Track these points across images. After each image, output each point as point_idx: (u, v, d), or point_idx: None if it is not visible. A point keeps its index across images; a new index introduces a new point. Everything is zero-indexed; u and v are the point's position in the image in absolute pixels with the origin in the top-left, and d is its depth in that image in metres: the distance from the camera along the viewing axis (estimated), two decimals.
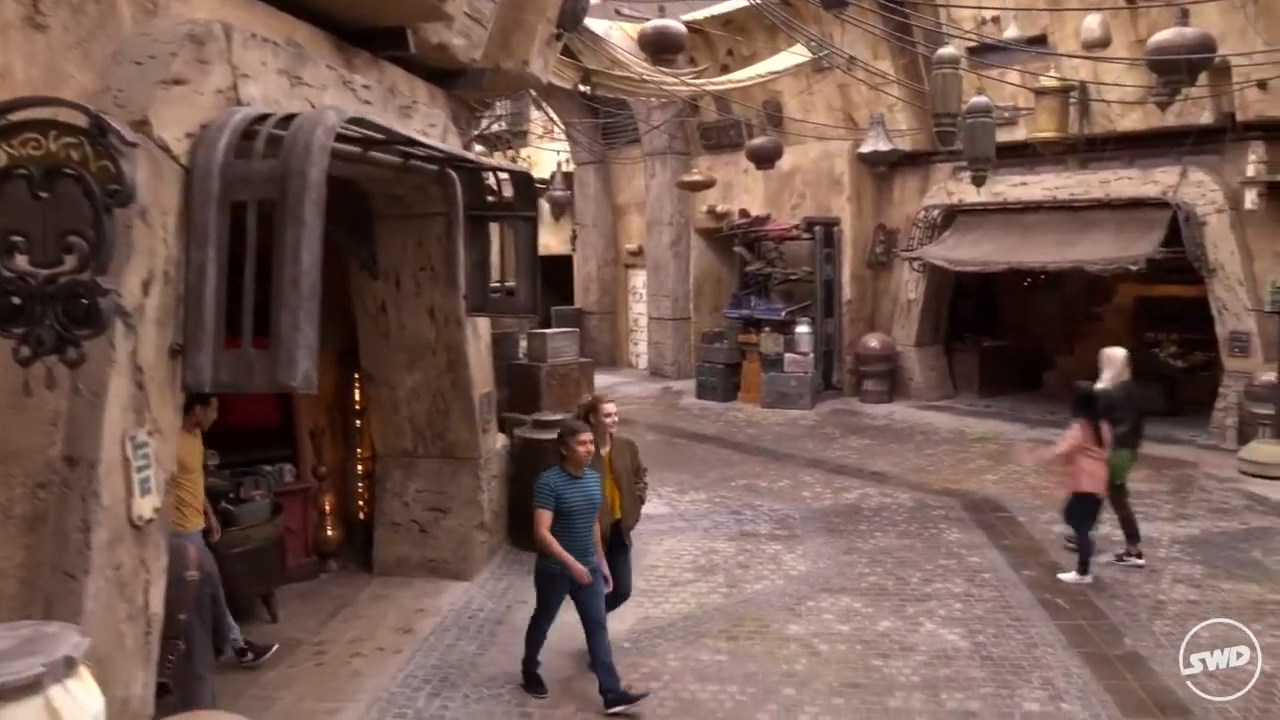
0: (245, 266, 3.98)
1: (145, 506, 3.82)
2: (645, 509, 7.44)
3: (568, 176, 22.51)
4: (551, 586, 6.14)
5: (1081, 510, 8.13)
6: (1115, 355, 8.80)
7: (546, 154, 22.70)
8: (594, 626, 6.07)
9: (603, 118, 19.61)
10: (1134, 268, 13.21)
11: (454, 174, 7.16)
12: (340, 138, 5.40)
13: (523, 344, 11.14)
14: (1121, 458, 8.46)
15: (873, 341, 16.81)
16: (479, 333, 8.36)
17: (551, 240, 23.29)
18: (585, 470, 6.06)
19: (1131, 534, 8.63)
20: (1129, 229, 13.74)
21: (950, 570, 8.49)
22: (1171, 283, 15.61)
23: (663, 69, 13.25)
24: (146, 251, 3.85)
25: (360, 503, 8.89)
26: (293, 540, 8.11)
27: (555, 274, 23.29)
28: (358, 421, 8.81)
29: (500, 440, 9.09)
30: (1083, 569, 8.16)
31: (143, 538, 3.83)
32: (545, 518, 5.95)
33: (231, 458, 7.36)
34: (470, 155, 6.95)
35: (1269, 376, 11.87)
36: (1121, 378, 8.67)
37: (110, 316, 3.20)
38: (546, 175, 22.57)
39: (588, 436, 6.06)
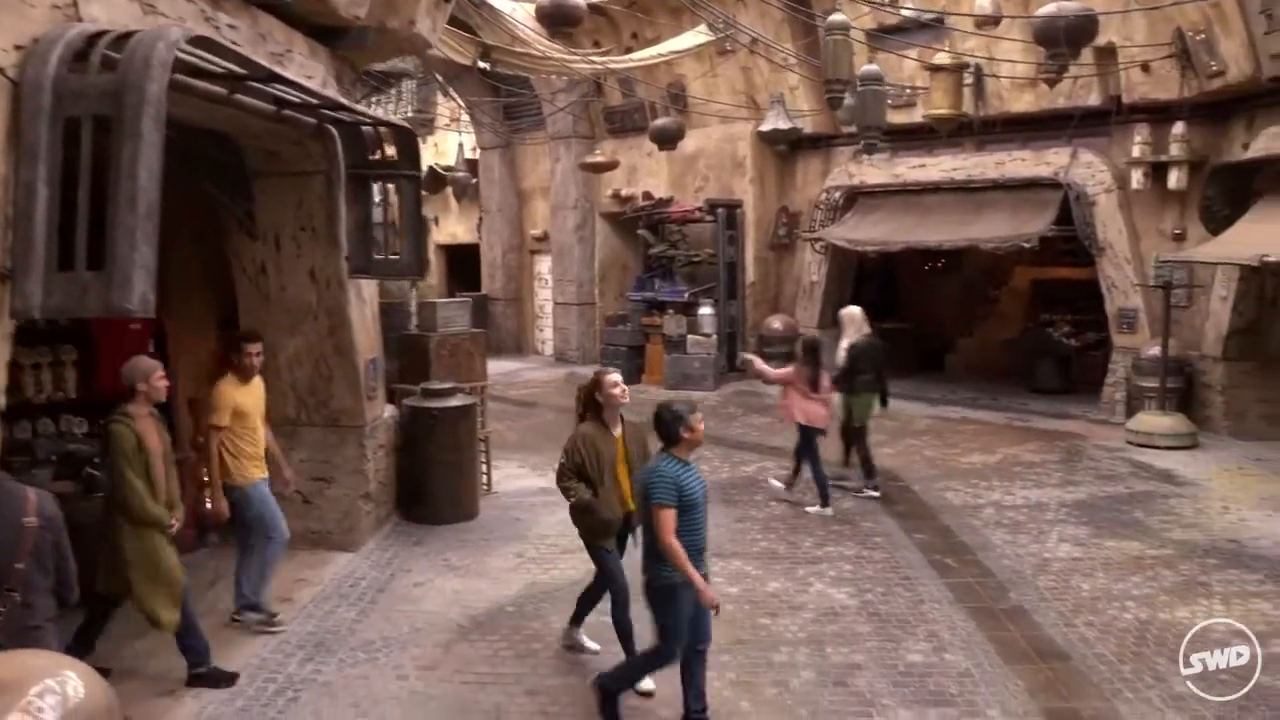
0: (79, 186, 3.74)
1: None
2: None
3: (471, 163, 22.22)
4: (675, 601, 4.83)
5: (804, 443, 9.21)
6: (854, 313, 9.91)
7: (454, 140, 22.41)
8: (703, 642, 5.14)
9: (505, 96, 19.37)
10: (1027, 245, 13.48)
11: (334, 130, 6.93)
12: (203, 74, 5.18)
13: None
14: (863, 402, 9.71)
15: (776, 323, 16.81)
16: (364, 297, 8.12)
17: (458, 229, 23.06)
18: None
19: (869, 471, 9.72)
20: (1023, 209, 14.00)
21: (843, 535, 8.51)
22: (1065, 265, 16.04)
23: (567, 47, 13.09)
24: None
25: None
26: None
27: (462, 262, 23.06)
28: None
29: (389, 411, 8.86)
30: (823, 501, 9.13)
31: None
32: (671, 519, 4.74)
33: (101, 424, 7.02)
34: (346, 102, 6.68)
35: (1154, 350, 12.16)
36: (863, 332, 9.64)
37: None
38: (453, 162, 22.31)
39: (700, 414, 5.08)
